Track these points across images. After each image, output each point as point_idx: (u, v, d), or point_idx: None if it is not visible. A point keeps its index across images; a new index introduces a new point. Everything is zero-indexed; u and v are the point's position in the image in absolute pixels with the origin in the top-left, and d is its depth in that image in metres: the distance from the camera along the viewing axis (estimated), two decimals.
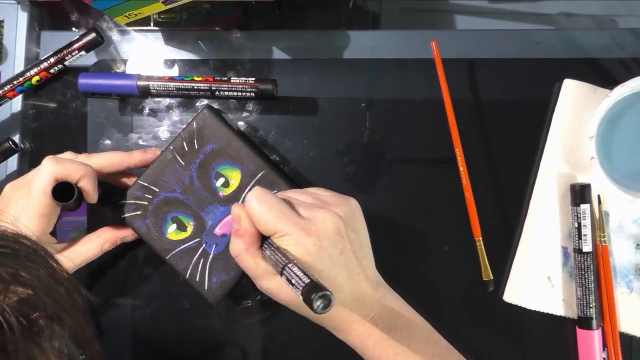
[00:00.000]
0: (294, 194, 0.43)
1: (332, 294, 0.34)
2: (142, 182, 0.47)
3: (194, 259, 0.47)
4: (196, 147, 0.46)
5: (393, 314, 0.42)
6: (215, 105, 0.52)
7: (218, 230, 0.47)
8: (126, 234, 0.47)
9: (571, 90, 0.50)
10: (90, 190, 0.43)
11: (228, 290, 0.47)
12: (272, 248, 0.39)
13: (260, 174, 0.46)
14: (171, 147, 0.47)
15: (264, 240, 0.41)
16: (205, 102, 0.52)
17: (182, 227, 0.47)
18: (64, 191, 0.42)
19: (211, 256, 0.47)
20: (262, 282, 0.41)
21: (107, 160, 0.46)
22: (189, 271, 0.46)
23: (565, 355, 0.50)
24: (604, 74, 0.51)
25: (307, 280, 0.35)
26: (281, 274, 0.37)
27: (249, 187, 0.46)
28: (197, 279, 0.46)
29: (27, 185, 0.43)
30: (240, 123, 0.52)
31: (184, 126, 0.47)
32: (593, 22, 0.53)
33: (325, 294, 0.34)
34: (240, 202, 0.47)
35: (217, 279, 0.46)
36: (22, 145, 0.52)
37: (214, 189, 0.47)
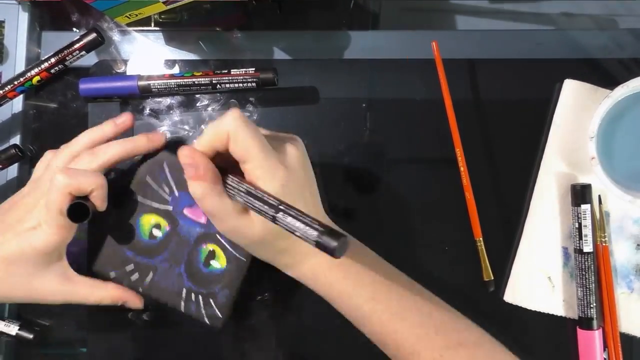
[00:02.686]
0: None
1: (345, 235, 0.33)
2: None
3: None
4: None
5: (353, 247, 0.43)
6: (216, 105, 0.52)
7: (188, 213, 0.46)
8: (129, 299, 0.47)
9: (571, 91, 0.50)
10: (100, 202, 0.43)
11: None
12: (240, 186, 0.38)
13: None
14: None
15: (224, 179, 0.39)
16: (208, 103, 0.52)
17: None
18: (78, 208, 0.41)
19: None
20: (228, 221, 0.39)
21: (113, 157, 0.45)
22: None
23: (565, 356, 0.50)
24: (604, 74, 0.51)
25: (318, 229, 0.34)
26: (274, 220, 0.35)
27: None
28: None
29: (43, 197, 0.42)
30: None
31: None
32: (593, 23, 0.53)
33: (342, 237, 0.33)
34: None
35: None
36: (28, 153, 0.52)
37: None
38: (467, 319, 0.43)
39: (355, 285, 0.42)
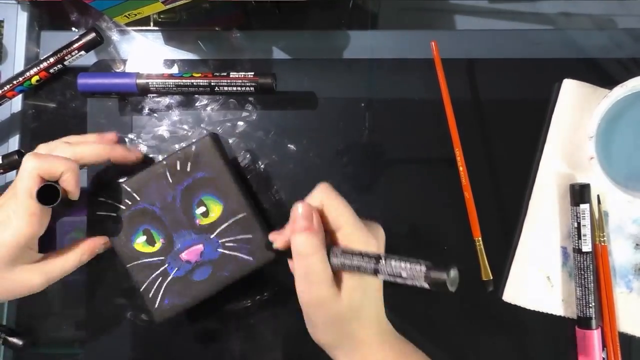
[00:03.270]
0: None
1: (452, 267, 0.32)
2: (126, 187, 0.47)
3: (153, 275, 0.47)
4: (188, 170, 0.47)
5: (400, 340, 0.42)
6: (215, 105, 0.52)
7: (184, 256, 0.47)
8: (102, 242, 0.47)
9: (570, 90, 0.50)
10: (72, 186, 0.42)
11: (176, 314, 0.47)
12: (340, 251, 0.38)
13: (240, 215, 0.47)
14: (164, 162, 0.47)
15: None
16: (207, 102, 0.52)
17: (150, 242, 0.47)
18: (49, 193, 0.41)
19: (170, 278, 0.47)
20: (318, 289, 0.38)
21: (89, 152, 0.45)
22: (144, 285, 0.47)
23: (564, 355, 0.50)
24: (603, 74, 0.51)
25: (424, 263, 0.33)
26: (375, 271, 0.35)
27: (226, 224, 0.47)
28: (150, 294, 0.47)
29: (14, 186, 0.42)
30: (240, 123, 0.52)
31: (183, 145, 0.47)
32: (592, 23, 0.53)
33: (451, 268, 0.32)
34: (213, 235, 0.47)
35: (169, 301, 0.47)
36: None
37: (193, 215, 0.47)
38: None
39: None
